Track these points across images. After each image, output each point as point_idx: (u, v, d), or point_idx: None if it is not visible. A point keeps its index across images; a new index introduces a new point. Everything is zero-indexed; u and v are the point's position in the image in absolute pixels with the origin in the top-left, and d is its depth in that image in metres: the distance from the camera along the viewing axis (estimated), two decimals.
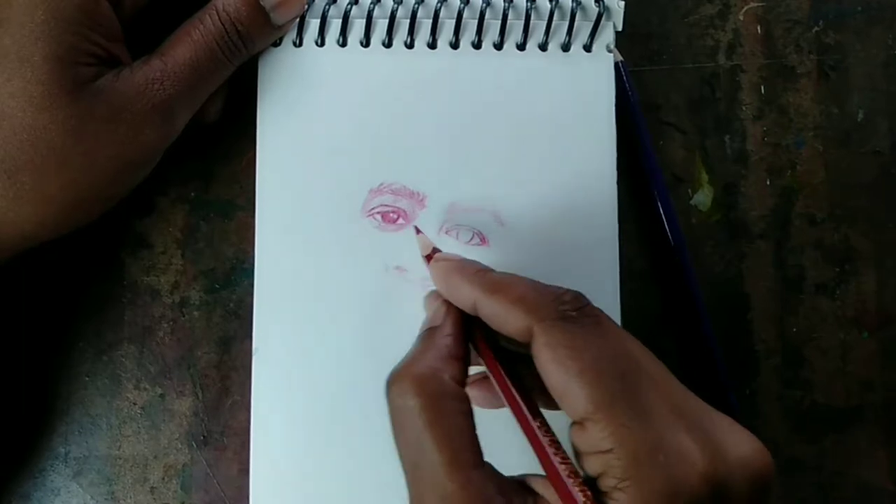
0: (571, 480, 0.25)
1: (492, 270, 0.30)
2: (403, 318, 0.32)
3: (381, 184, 0.37)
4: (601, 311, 0.27)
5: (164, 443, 0.37)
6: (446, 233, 0.37)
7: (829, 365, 0.39)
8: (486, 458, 0.27)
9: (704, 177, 0.39)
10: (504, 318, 0.28)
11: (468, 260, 0.32)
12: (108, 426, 0.38)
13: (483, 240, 0.37)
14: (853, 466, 0.38)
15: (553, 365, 0.26)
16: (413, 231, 0.36)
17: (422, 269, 0.34)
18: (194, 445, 0.38)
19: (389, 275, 0.36)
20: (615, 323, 0.27)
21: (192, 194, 0.39)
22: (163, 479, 0.37)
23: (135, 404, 0.38)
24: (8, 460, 0.37)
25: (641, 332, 0.37)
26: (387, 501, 0.36)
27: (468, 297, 0.29)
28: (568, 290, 0.27)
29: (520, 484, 0.27)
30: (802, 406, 0.38)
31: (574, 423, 0.26)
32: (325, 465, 0.36)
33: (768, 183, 0.39)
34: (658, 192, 0.38)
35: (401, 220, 0.37)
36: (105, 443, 0.37)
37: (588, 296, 0.29)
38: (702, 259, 0.39)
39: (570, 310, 0.26)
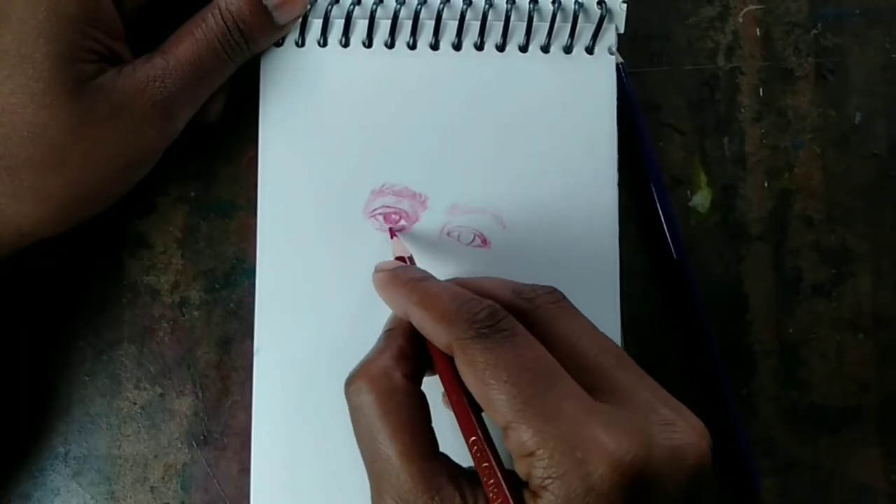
0: (492, 480, 0.26)
1: (427, 278, 0.31)
2: None
3: (383, 185, 0.37)
4: (515, 323, 0.28)
5: (164, 442, 0.37)
6: (447, 234, 0.37)
7: (826, 366, 0.39)
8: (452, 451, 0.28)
9: (703, 178, 0.40)
10: (429, 332, 0.29)
11: (405, 268, 0.33)
12: (108, 426, 0.37)
13: (484, 241, 0.37)
14: (849, 466, 0.38)
15: (472, 379, 0.27)
16: (406, 236, 0.36)
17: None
18: (194, 445, 0.37)
19: None
20: (528, 333, 0.28)
21: (192, 194, 0.39)
22: (163, 478, 0.37)
23: (135, 404, 0.38)
24: (8, 460, 0.37)
25: (641, 332, 0.38)
26: None
27: (401, 308, 0.31)
28: (484, 307, 0.28)
29: (474, 475, 0.28)
30: (799, 406, 0.39)
31: (503, 431, 0.27)
32: (325, 464, 0.36)
33: (766, 185, 0.40)
34: (658, 193, 0.38)
35: (403, 222, 0.37)
36: (105, 442, 0.37)
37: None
38: (700, 260, 0.39)
39: (482, 327, 0.27)
